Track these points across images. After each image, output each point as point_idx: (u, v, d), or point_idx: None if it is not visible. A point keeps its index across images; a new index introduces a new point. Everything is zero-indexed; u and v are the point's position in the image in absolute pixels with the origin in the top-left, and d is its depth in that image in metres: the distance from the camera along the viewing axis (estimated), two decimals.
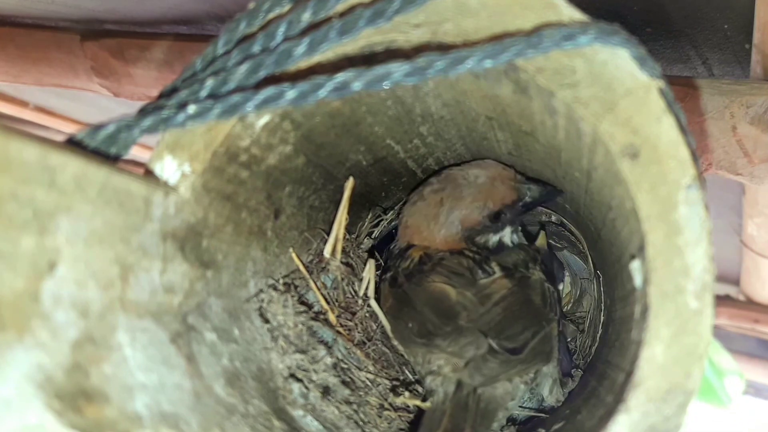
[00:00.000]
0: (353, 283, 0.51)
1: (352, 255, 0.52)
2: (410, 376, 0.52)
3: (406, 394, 0.49)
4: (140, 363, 0.29)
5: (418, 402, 0.48)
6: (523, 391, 0.48)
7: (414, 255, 0.52)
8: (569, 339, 0.60)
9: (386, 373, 0.50)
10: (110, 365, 0.28)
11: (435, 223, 0.52)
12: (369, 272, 0.52)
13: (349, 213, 0.49)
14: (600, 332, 0.55)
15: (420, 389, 0.50)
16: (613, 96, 0.29)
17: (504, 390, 0.46)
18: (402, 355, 0.52)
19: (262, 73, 0.30)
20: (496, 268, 0.50)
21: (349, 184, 0.48)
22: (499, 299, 0.47)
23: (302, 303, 0.45)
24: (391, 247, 0.57)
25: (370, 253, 0.56)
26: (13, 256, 0.23)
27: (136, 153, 0.34)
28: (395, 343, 0.52)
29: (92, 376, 0.27)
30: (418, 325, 0.47)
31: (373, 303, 0.52)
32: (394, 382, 0.50)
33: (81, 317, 0.26)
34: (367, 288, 0.52)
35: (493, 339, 0.44)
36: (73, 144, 0.29)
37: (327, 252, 0.48)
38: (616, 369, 0.36)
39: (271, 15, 0.31)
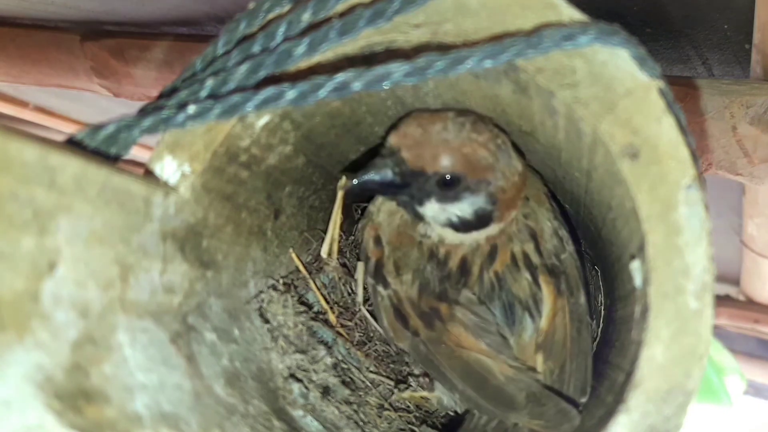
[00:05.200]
0: (350, 284, 0.51)
1: (348, 255, 0.52)
2: (415, 370, 0.52)
3: (410, 389, 0.49)
4: (140, 363, 0.29)
5: (425, 394, 0.48)
6: None
7: (450, 252, 0.42)
8: None
9: (390, 368, 0.50)
10: (110, 365, 0.28)
11: None
12: (359, 274, 0.51)
13: (346, 213, 0.49)
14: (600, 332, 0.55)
15: (419, 385, 0.50)
16: (613, 96, 0.29)
17: None
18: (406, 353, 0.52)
19: (262, 73, 0.30)
20: (543, 281, 0.42)
21: (342, 183, 0.47)
22: (565, 360, 0.40)
23: (302, 303, 0.45)
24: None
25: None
26: (13, 256, 0.23)
27: (136, 153, 0.34)
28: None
29: (92, 376, 0.27)
30: (468, 401, 0.40)
31: (365, 312, 0.50)
32: (398, 380, 0.49)
33: (81, 317, 0.26)
34: (366, 290, 0.52)
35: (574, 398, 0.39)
36: (73, 144, 0.29)
37: (324, 252, 0.48)
38: (616, 369, 0.36)
39: (271, 15, 0.31)
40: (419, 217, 0.43)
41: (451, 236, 0.43)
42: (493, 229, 0.42)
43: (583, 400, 0.39)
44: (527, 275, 0.42)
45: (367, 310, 0.51)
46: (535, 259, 0.43)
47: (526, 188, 0.44)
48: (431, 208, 0.41)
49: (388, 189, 0.41)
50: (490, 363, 0.39)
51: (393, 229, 0.44)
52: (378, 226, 0.44)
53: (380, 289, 0.43)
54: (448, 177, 0.40)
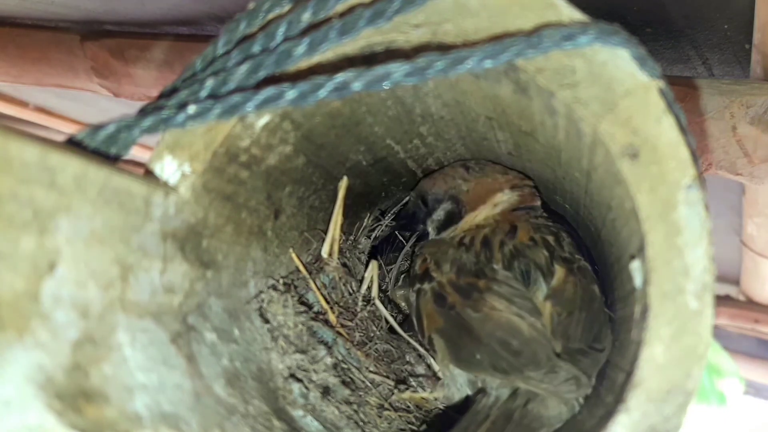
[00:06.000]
0: (351, 284, 0.51)
1: (348, 255, 0.52)
2: (416, 370, 0.52)
3: (410, 390, 0.49)
4: (140, 363, 0.29)
5: (425, 394, 0.48)
6: (567, 413, 0.44)
7: (474, 237, 0.49)
8: None
9: (390, 368, 0.50)
10: (110, 365, 0.28)
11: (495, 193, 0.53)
12: (371, 272, 0.52)
13: (347, 213, 0.49)
14: None
15: (419, 385, 0.50)
16: (613, 96, 0.29)
17: (557, 412, 0.42)
18: (404, 351, 0.52)
19: (262, 73, 0.30)
20: (557, 264, 0.46)
21: (343, 183, 0.48)
22: (574, 309, 0.43)
23: (302, 303, 0.45)
24: (428, 226, 0.55)
25: (370, 254, 0.56)
26: (13, 256, 0.23)
27: (136, 153, 0.34)
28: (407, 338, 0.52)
29: (92, 376, 0.27)
30: (489, 358, 0.42)
31: (378, 304, 0.52)
32: (398, 380, 0.50)
33: (81, 317, 0.26)
34: (369, 289, 0.52)
35: (583, 344, 0.42)
36: (73, 144, 0.29)
37: (324, 252, 0.48)
38: (616, 369, 0.36)
39: (271, 15, 0.31)
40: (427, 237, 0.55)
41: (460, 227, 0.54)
42: (466, 223, 0.53)
43: (598, 346, 0.41)
44: (545, 252, 0.47)
45: (371, 311, 0.52)
46: (554, 246, 0.48)
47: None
48: (429, 223, 0.55)
49: (410, 223, 0.57)
50: (519, 322, 0.43)
51: (429, 244, 0.54)
52: (424, 253, 0.53)
53: (425, 286, 0.49)
54: (423, 196, 0.55)
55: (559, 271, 0.46)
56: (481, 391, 0.44)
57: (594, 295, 0.45)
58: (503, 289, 0.45)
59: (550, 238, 0.49)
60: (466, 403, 0.47)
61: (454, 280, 0.47)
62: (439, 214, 0.54)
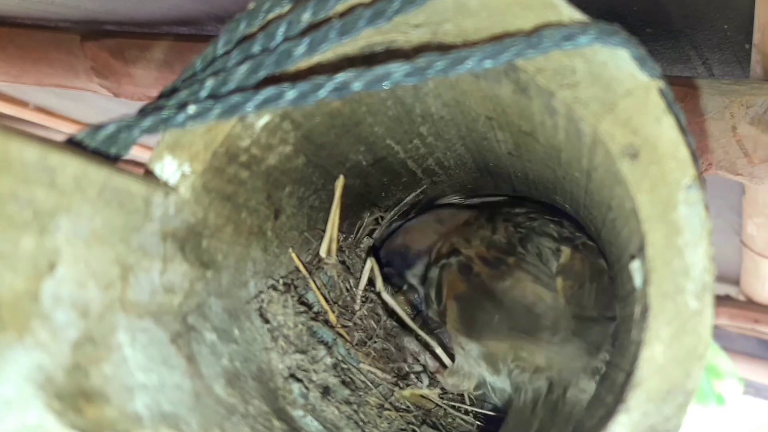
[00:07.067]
0: (349, 282, 0.51)
1: (348, 255, 0.52)
2: (416, 368, 0.52)
3: (410, 387, 0.49)
4: (140, 363, 0.29)
5: (425, 392, 0.48)
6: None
7: (478, 215, 0.53)
8: None
9: (390, 367, 0.50)
10: (110, 365, 0.28)
11: None
12: (371, 266, 0.52)
13: (346, 213, 0.50)
14: None
15: (420, 381, 0.50)
16: (613, 96, 0.29)
17: (592, 389, 0.43)
18: (405, 350, 0.52)
19: (262, 74, 0.30)
20: (564, 247, 0.49)
21: (339, 183, 0.48)
22: (584, 281, 0.46)
23: (302, 303, 0.45)
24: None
25: (369, 253, 0.56)
26: (13, 256, 0.23)
27: (136, 153, 0.34)
28: (417, 331, 0.53)
29: (92, 376, 0.27)
30: (508, 320, 0.45)
31: (385, 295, 0.53)
32: (398, 378, 0.50)
33: (81, 317, 0.26)
34: (369, 287, 0.52)
35: (595, 312, 0.44)
36: (73, 144, 0.29)
37: (322, 252, 0.48)
38: (616, 369, 0.36)
39: (271, 15, 0.31)
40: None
41: None
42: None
43: (609, 314, 0.43)
44: (553, 225, 0.50)
45: (370, 308, 0.52)
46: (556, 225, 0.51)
47: None
48: (409, 275, 0.59)
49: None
50: (543, 292, 0.45)
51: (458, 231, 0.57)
52: (450, 238, 0.55)
53: (451, 259, 0.52)
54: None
55: (565, 251, 0.48)
56: (516, 391, 0.46)
57: (602, 268, 0.47)
58: (531, 269, 0.47)
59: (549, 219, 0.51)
60: (472, 399, 0.48)
61: (483, 253, 0.50)
62: (419, 267, 0.57)
